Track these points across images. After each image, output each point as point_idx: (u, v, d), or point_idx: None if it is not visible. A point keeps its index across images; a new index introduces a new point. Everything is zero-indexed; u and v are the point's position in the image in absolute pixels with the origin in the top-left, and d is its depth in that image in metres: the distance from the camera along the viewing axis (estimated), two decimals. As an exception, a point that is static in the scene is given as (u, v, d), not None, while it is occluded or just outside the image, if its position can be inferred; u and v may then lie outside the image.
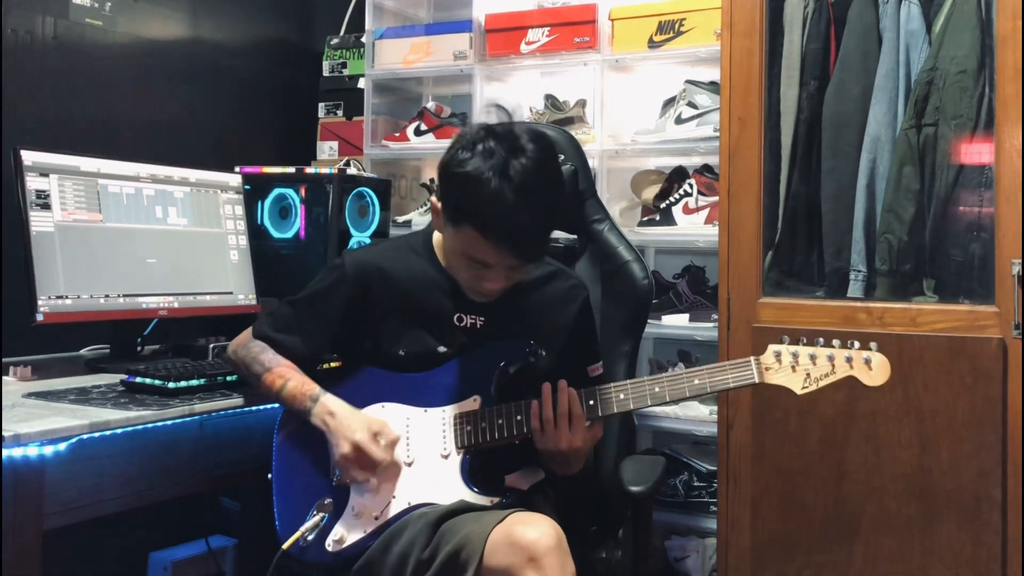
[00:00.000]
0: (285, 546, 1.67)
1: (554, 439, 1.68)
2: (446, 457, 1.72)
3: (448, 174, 1.65)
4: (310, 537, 1.69)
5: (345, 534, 1.69)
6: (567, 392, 1.69)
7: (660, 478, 2.10)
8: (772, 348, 1.66)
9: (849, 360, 1.63)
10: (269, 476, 1.78)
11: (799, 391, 1.64)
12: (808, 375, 1.64)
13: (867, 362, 1.62)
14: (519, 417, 1.70)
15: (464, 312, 1.80)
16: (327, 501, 1.72)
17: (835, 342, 1.64)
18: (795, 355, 1.64)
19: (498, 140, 1.62)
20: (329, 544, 1.69)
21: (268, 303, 2.08)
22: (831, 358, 1.63)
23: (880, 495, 2.16)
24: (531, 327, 1.82)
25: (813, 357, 1.64)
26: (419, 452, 1.72)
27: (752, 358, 1.65)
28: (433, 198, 1.75)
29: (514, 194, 1.58)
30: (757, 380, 1.64)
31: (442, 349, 1.78)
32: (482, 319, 1.80)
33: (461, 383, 1.76)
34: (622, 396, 1.69)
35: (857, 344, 1.64)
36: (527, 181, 1.59)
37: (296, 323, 1.82)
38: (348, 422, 1.68)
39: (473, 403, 1.74)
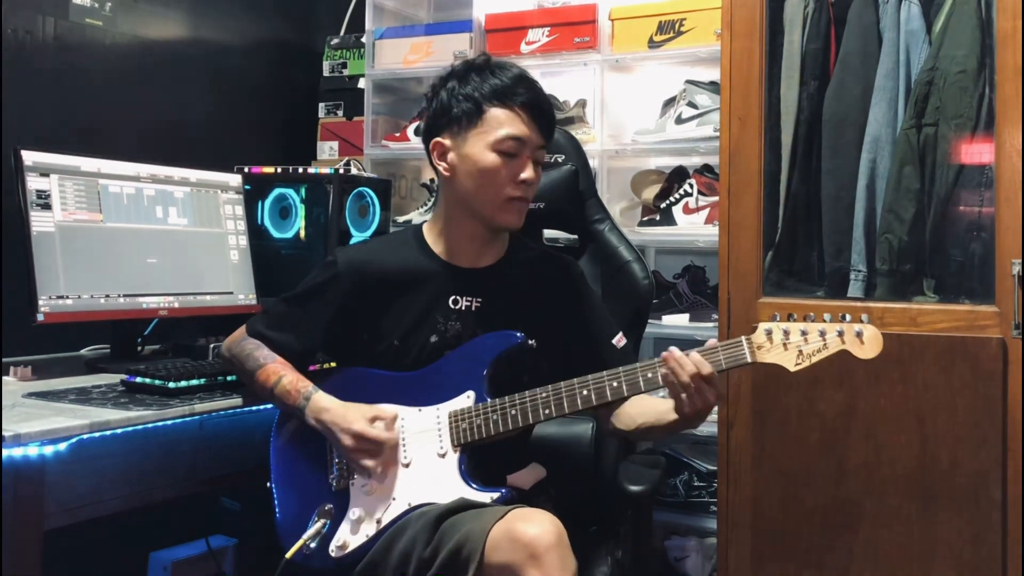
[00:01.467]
0: (288, 554, 1.67)
1: (701, 399, 1.60)
2: (443, 456, 1.71)
3: (449, 97, 1.80)
4: (313, 544, 1.69)
5: (348, 539, 1.69)
6: (691, 354, 1.62)
7: (660, 478, 2.11)
8: (763, 326, 1.63)
9: (840, 334, 1.60)
10: (268, 484, 1.78)
11: (792, 368, 1.62)
12: (800, 352, 1.62)
13: (859, 335, 1.60)
14: (513, 412, 1.70)
15: (460, 294, 1.81)
16: (328, 507, 1.72)
17: (826, 316, 1.63)
18: (786, 332, 1.62)
19: (477, 59, 1.85)
20: (332, 550, 1.69)
21: (268, 303, 2.08)
22: (823, 333, 1.61)
23: (880, 495, 2.16)
24: (527, 307, 1.83)
25: (804, 333, 1.62)
26: (416, 452, 1.72)
27: (743, 338, 1.63)
28: (436, 139, 1.80)
29: (516, 71, 1.81)
30: (750, 360, 1.62)
31: (435, 339, 1.79)
32: (479, 300, 1.81)
33: (453, 380, 1.76)
34: (615, 384, 1.67)
35: (848, 317, 1.62)
36: (518, 68, 1.83)
37: (290, 320, 1.83)
38: (344, 414, 1.70)
39: (466, 399, 1.74)
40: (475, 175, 1.76)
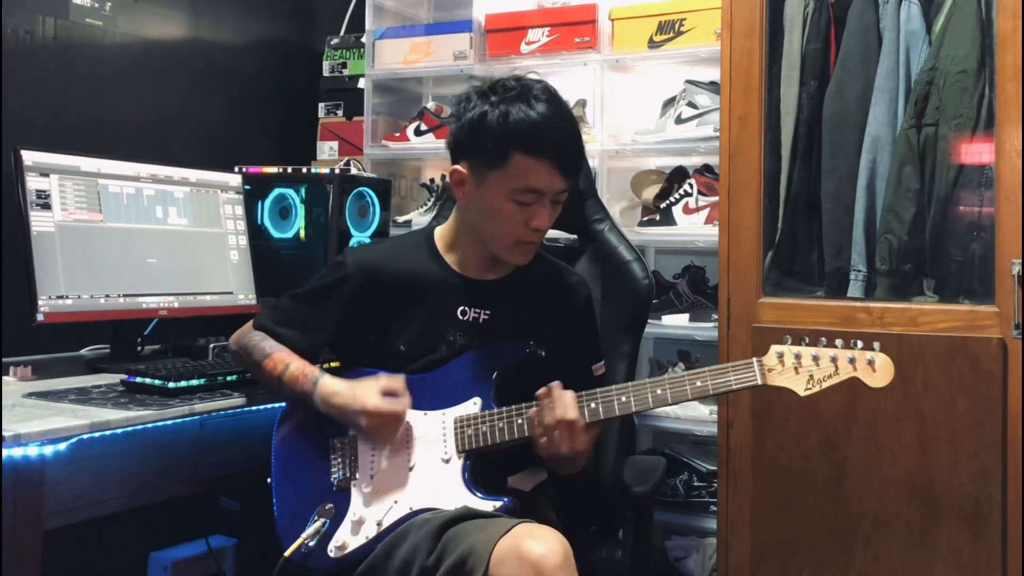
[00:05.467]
0: (287, 553, 1.66)
1: (554, 445, 1.66)
2: (447, 461, 1.71)
3: (476, 124, 1.71)
4: (312, 543, 1.68)
5: (347, 540, 1.68)
6: (563, 398, 1.66)
7: (660, 478, 2.11)
8: (775, 349, 1.63)
9: (852, 361, 1.60)
10: (269, 481, 1.78)
11: (802, 393, 1.62)
12: (811, 377, 1.61)
13: (870, 363, 1.59)
14: (520, 421, 1.69)
15: (468, 305, 1.80)
16: (328, 506, 1.71)
17: (838, 342, 1.62)
18: (798, 356, 1.61)
19: (507, 81, 1.74)
20: (331, 550, 1.68)
21: (268, 303, 2.08)
22: (834, 359, 1.60)
23: (880, 495, 2.16)
24: (534, 322, 1.82)
25: (816, 358, 1.61)
26: (420, 456, 1.72)
27: (755, 359, 1.63)
28: (456, 166, 1.76)
29: (547, 109, 1.70)
30: (760, 382, 1.62)
31: (443, 348, 1.78)
32: (487, 313, 1.80)
33: (460, 385, 1.75)
34: (624, 399, 1.67)
35: (860, 344, 1.61)
36: (552, 99, 1.72)
37: (297, 318, 1.83)
38: (354, 394, 1.70)
39: (472, 406, 1.73)
40: (488, 216, 1.74)
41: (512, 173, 1.69)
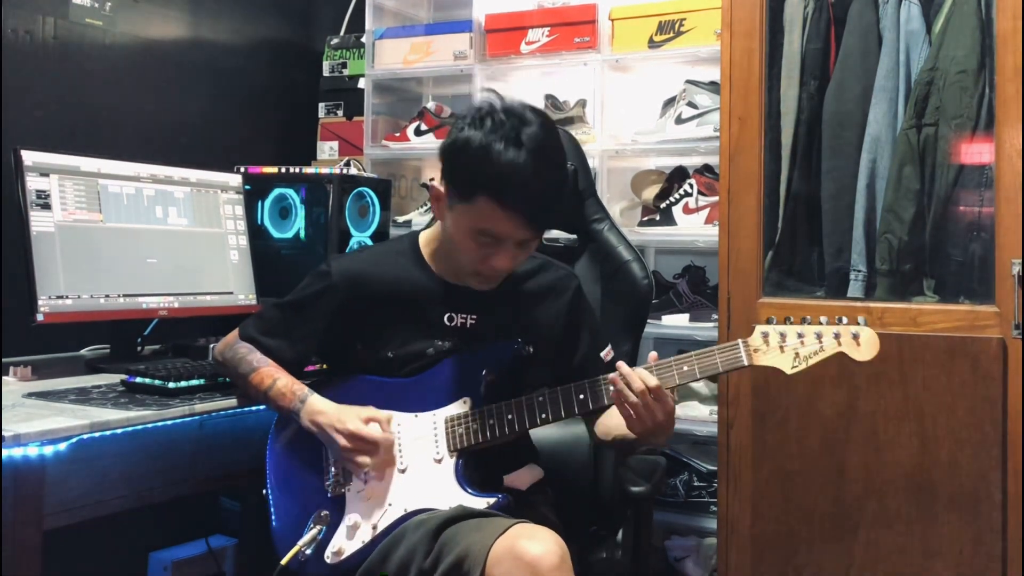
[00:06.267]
0: (284, 561, 1.66)
1: (649, 416, 1.60)
2: (439, 462, 1.70)
3: (457, 149, 1.66)
4: (308, 551, 1.68)
5: (344, 546, 1.68)
6: (632, 371, 1.61)
7: (660, 478, 2.10)
8: (759, 329, 1.62)
9: (837, 336, 1.59)
10: (264, 491, 1.77)
11: (789, 371, 1.61)
12: (797, 354, 1.60)
13: (855, 337, 1.59)
14: (510, 416, 1.68)
15: (455, 311, 1.79)
16: (324, 513, 1.71)
17: (822, 318, 1.61)
18: (783, 335, 1.60)
19: (505, 113, 1.65)
20: (328, 556, 1.68)
21: (261, 308, 2.08)
22: (819, 335, 1.60)
23: (880, 495, 2.16)
24: (523, 322, 1.81)
25: (801, 336, 1.60)
26: (412, 458, 1.71)
27: (740, 340, 1.62)
28: (435, 183, 1.73)
29: (529, 160, 1.60)
30: (746, 363, 1.61)
31: (431, 351, 1.77)
32: (473, 317, 1.79)
33: (449, 386, 1.74)
34: (612, 389, 1.65)
35: (845, 319, 1.60)
36: (539, 148, 1.62)
37: (284, 327, 1.81)
38: (338, 415, 1.69)
39: (463, 405, 1.72)
40: (454, 239, 1.71)
41: (475, 213, 1.64)
